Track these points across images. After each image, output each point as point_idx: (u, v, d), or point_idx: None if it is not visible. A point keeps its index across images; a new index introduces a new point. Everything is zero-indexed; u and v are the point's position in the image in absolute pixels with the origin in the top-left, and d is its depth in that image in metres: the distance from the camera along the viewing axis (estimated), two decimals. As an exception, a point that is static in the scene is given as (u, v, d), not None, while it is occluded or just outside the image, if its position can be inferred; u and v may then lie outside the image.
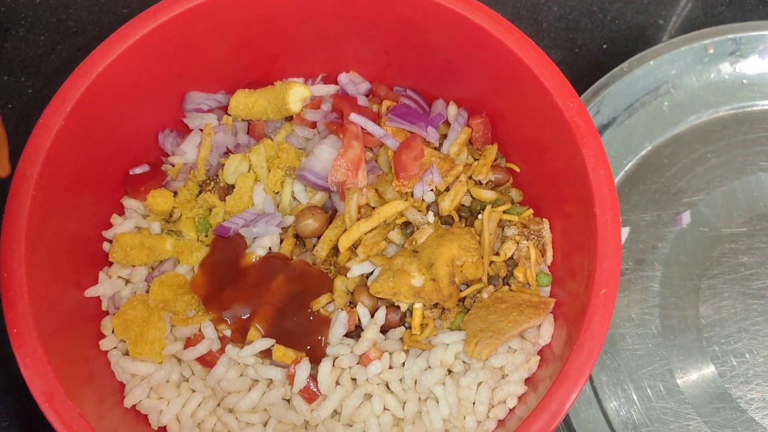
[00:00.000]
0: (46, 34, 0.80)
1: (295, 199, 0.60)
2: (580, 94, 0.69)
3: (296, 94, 0.60)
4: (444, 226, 0.57)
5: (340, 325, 0.54)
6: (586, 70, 0.77)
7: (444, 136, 0.62)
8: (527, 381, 0.54)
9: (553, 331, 0.54)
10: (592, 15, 0.81)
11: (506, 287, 0.56)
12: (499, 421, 0.52)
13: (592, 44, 0.80)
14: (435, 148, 0.61)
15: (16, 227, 0.49)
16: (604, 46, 0.80)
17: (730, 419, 0.63)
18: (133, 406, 0.54)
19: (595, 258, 0.48)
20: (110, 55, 0.54)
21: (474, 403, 0.52)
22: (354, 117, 0.59)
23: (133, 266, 0.58)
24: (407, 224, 0.57)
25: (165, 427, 0.54)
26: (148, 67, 0.57)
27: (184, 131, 0.63)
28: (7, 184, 0.50)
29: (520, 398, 0.53)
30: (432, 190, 0.58)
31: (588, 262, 0.50)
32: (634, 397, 0.63)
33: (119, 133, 0.58)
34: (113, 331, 0.56)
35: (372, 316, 0.54)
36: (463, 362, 0.53)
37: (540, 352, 0.54)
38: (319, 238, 0.57)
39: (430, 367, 0.53)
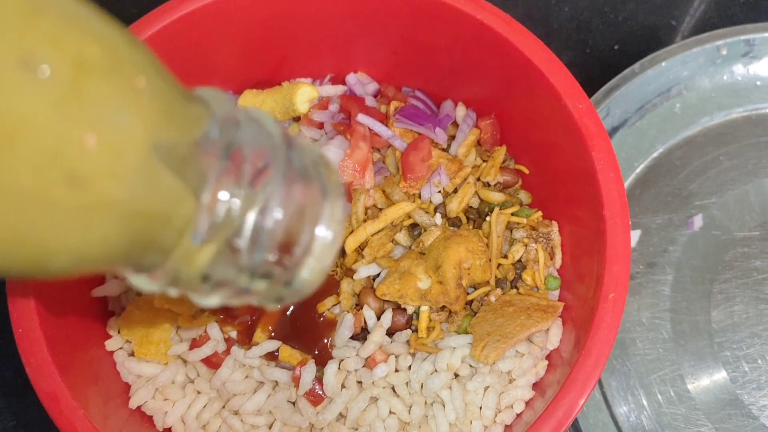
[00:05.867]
0: (56, 35, 0.80)
1: (301, 200, 0.59)
2: (591, 95, 0.69)
3: (304, 94, 0.59)
4: (452, 228, 0.57)
5: (346, 327, 0.53)
6: (598, 71, 0.77)
7: (452, 138, 0.61)
8: (535, 386, 0.53)
9: (561, 335, 0.53)
10: (603, 15, 0.80)
11: (514, 290, 0.56)
12: (506, 426, 0.52)
13: (604, 45, 0.79)
14: (443, 150, 0.60)
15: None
16: (616, 47, 0.79)
17: (742, 426, 0.62)
18: (139, 407, 0.54)
19: (603, 262, 0.47)
20: (117, 55, 0.54)
21: (481, 408, 0.51)
22: (361, 118, 0.58)
23: (140, 267, 0.57)
24: (414, 226, 0.57)
25: (170, 428, 0.54)
26: None
27: (192, 131, 0.63)
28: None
29: (527, 403, 0.52)
30: (440, 191, 0.58)
31: (597, 266, 0.49)
32: (645, 402, 0.63)
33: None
34: (119, 332, 0.56)
35: (378, 318, 0.54)
36: (470, 366, 0.52)
37: (548, 357, 0.54)
38: (325, 239, 0.57)
39: (436, 370, 0.52)
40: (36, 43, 0.22)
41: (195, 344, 0.54)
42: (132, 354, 0.55)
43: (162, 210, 0.26)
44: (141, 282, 0.30)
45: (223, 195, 0.27)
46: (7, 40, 0.21)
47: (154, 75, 0.26)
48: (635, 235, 0.68)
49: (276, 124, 0.31)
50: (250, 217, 0.28)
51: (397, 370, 0.53)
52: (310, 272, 0.31)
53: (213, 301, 0.32)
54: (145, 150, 0.24)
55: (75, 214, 0.23)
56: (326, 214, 0.31)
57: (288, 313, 0.54)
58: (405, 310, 0.54)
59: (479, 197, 0.58)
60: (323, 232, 0.31)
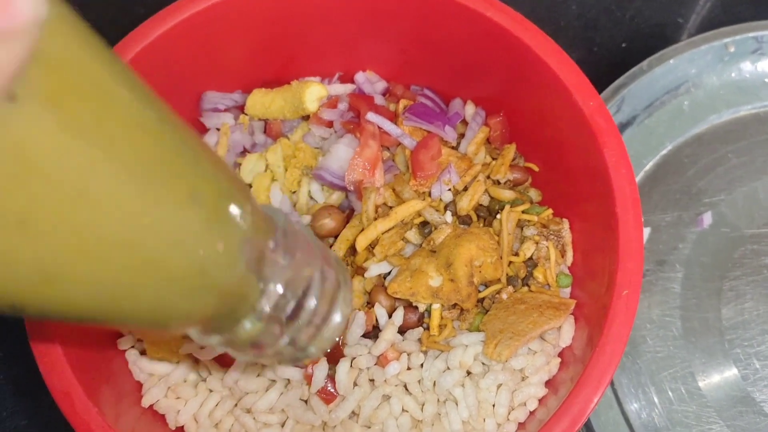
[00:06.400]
0: (64, 36, 0.80)
1: (311, 198, 0.59)
2: (599, 93, 0.68)
3: (313, 93, 0.59)
4: (462, 225, 0.57)
5: (357, 325, 0.53)
6: (605, 68, 0.77)
7: (462, 136, 0.61)
8: (548, 383, 0.53)
9: (573, 332, 0.53)
10: (610, 13, 0.80)
11: (526, 288, 0.56)
12: (520, 423, 0.52)
13: (611, 43, 0.79)
14: (452, 148, 0.60)
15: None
16: (623, 45, 0.79)
17: (753, 423, 0.62)
18: (151, 406, 0.54)
19: (616, 258, 0.47)
20: (127, 55, 0.54)
21: (494, 405, 0.51)
22: (371, 116, 0.58)
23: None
24: (425, 224, 0.57)
25: (182, 426, 0.54)
26: (165, 66, 0.57)
27: (201, 130, 0.63)
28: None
29: (540, 401, 0.52)
30: (450, 189, 0.58)
31: (609, 263, 0.49)
32: (656, 399, 0.62)
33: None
34: (131, 331, 0.56)
35: (390, 316, 0.54)
36: (483, 364, 0.52)
37: (560, 354, 0.54)
38: (336, 237, 0.57)
39: (448, 368, 0.52)
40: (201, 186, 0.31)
41: (207, 343, 0.54)
42: (144, 353, 0.55)
43: (244, 293, 0.36)
44: (197, 336, 0.39)
45: (279, 288, 0.37)
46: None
47: (252, 202, 0.36)
48: (645, 233, 0.68)
49: (312, 235, 0.45)
50: (292, 304, 0.39)
51: (409, 368, 0.53)
52: (322, 342, 0.42)
53: (247, 357, 0.43)
54: (242, 253, 0.34)
55: (197, 290, 0.33)
56: (340, 300, 0.42)
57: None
58: (416, 307, 0.54)
59: (489, 195, 0.58)
60: (337, 315, 0.42)
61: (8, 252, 0.23)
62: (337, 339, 0.44)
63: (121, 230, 0.26)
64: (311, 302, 0.39)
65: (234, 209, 0.33)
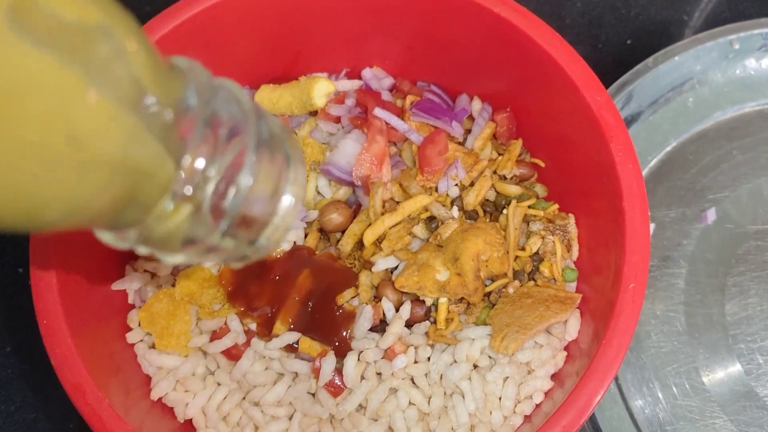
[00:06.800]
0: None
1: (319, 193, 0.60)
2: (604, 90, 0.69)
3: (321, 89, 0.60)
4: (468, 220, 0.57)
5: (365, 319, 0.54)
6: (610, 65, 0.77)
7: (468, 131, 0.61)
8: (554, 377, 0.53)
9: (579, 326, 0.54)
10: (615, 10, 0.81)
11: (532, 282, 0.56)
12: (526, 416, 0.52)
13: (616, 40, 0.79)
14: (459, 143, 0.61)
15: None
16: (628, 42, 0.79)
17: (756, 418, 0.62)
18: (159, 399, 0.55)
19: (623, 252, 0.48)
20: (137, 51, 0.54)
21: (500, 398, 0.52)
22: (378, 112, 0.59)
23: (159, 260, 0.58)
24: (432, 219, 0.57)
25: (191, 419, 0.54)
26: None
27: (209, 126, 0.63)
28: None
29: (546, 394, 0.52)
30: (456, 184, 0.58)
31: (615, 257, 0.50)
32: (660, 395, 0.63)
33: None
34: (139, 324, 0.56)
35: (397, 310, 0.54)
36: (489, 357, 0.53)
37: (566, 348, 0.54)
38: (343, 232, 0.57)
39: (455, 361, 0.52)
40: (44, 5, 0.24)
41: (215, 336, 0.55)
42: (152, 346, 0.56)
43: (146, 169, 0.28)
44: (111, 239, 0.32)
45: (200, 162, 0.30)
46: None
47: (141, 39, 0.28)
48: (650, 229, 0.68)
49: (245, 94, 0.34)
50: (223, 183, 0.31)
51: (416, 362, 0.53)
52: (274, 231, 0.35)
53: (179, 258, 0.34)
54: (135, 112, 0.26)
55: (72, 168, 0.25)
56: (290, 180, 0.34)
57: (308, 305, 0.55)
58: (423, 302, 0.54)
59: (496, 190, 0.59)
60: (287, 197, 0.34)
61: None
62: (291, 229, 0.36)
63: None
64: (245, 179, 0.32)
65: (107, 44, 0.26)
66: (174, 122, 0.29)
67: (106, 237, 0.32)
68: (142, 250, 0.33)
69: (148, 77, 0.27)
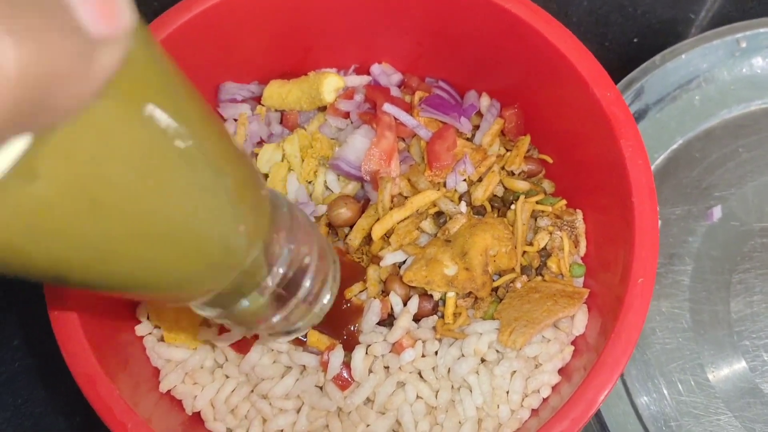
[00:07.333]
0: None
1: (327, 188, 0.60)
2: (612, 87, 0.69)
3: (330, 84, 0.60)
4: (476, 216, 0.58)
5: (373, 313, 0.54)
6: (617, 64, 0.77)
7: (476, 127, 0.62)
8: (561, 371, 0.54)
9: (587, 321, 0.54)
10: (622, 9, 0.81)
11: (539, 277, 0.56)
12: (533, 410, 0.52)
13: (623, 38, 0.79)
14: (467, 139, 0.61)
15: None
16: (635, 40, 0.80)
17: (761, 414, 0.62)
18: (168, 391, 0.55)
19: (632, 248, 0.48)
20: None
21: (508, 392, 0.52)
22: (387, 107, 0.59)
23: (168, 253, 0.58)
24: (440, 214, 0.57)
25: (199, 412, 0.55)
26: (183, 58, 0.56)
27: (218, 121, 0.64)
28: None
29: (553, 388, 0.53)
30: (465, 180, 0.58)
31: (624, 253, 0.50)
32: (665, 391, 0.63)
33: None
34: (148, 317, 0.56)
35: (405, 304, 0.55)
36: (497, 351, 0.53)
37: (574, 342, 0.54)
38: (352, 227, 0.57)
39: (463, 355, 0.53)
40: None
41: (223, 329, 0.55)
42: (161, 339, 0.56)
43: (253, 271, 0.39)
44: (201, 310, 0.41)
45: (282, 268, 0.41)
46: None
47: (264, 188, 0.38)
48: (656, 226, 0.68)
49: (309, 217, 0.47)
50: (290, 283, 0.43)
51: (423, 355, 0.53)
52: (312, 318, 0.46)
53: (242, 329, 0.48)
54: (259, 236, 0.37)
55: (220, 267, 0.36)
56: (330, 281, 0.46)
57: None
58: (431, 296, 0.55)
59: (504, 186, 0.59)
60: (327, 295, 0.46)
61: (73, 229, 0.25)
62: (321, 317, 0.48)
63: (174, 214, 0.29)
64: (307, 282, 0.43)
65: (253, 196, 0.36)
66: (272, 240, 0.40)
67: (196, 306, 0.41)
68: (219, 321, 0.44)
69: (269, 213, 0.39)
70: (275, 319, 0.44)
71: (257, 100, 0.64)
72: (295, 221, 0.42)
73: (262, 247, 0.38)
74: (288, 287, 0.42)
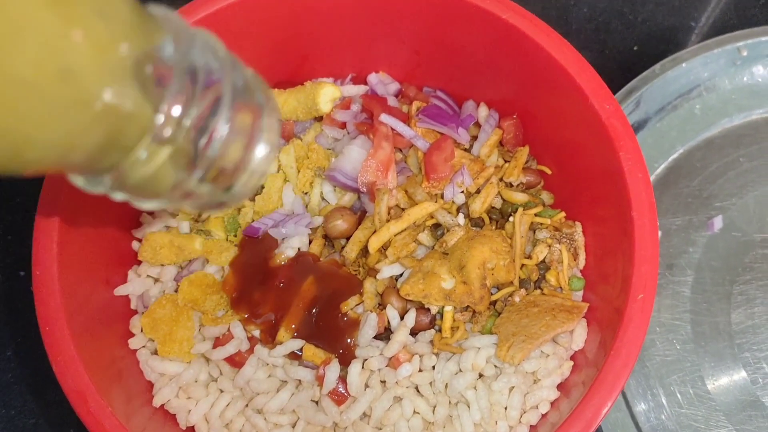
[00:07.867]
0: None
1: (324, 199, 0.59)
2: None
3: (326, 94, 0.59)
4: (474, 228, 0.57)
5: (369, 327, 0.53)
6: (617, 72, 0.77)
7: (474, 138, 0.61)
8: (560, 386, 0.53)
9: (586, 336, 0.53)
10: (622, 16, 0.80)
11: (538, 291, 0.56)
12: (532, 426, 0.52)
13: (623, 46, 0.79)
14: (465, 150, 0.60)
15: (48, 226, 0.49)
16: (635, 48, 0.79)
17: (762, 427, 0.62)
18: (162, 406, 0.54)
19: (632, 262, 0.47)
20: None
21: (506, 408, 0.51)
22: (384, 117, 0.58)
23: (162, 265, 0.57)
24: (437, 226, 0.57)
25: (193, 426, 0.54)
26: None
27: (214, 131, 0.63)
28: (40, 183, 0.50)
29: (552, 404, 0.52)
30: (462, 191, 0.58)
31: (623, 267, 0.49)
32: (664, 402, 0.63)
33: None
34: (142, 330, 0.56)
35: (402, 318, 0.54)
36: (495, 366, 0.52)
37: (573, 357, 0.54)
38: (348, 239, 0.57)
39: (461, 370, 0.52)
40: None
41: (218, 343, 0.54)
42: (155, 352, 0.55)
43: (127, 111, 0.29)
44: (84, 183, 0.33)
45: (176, 110, 0.30)
46: None
47: None
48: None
49: (222, 44, 0.35)
50: (199, 130, 0.32)
51: (421, 370, 0.53)
52: (249, 177, 0.36)
53: (154, 204, 0.35)
54: (119, 52, 0.28)
55: (59, 106, 0.27)
56: (264, 127, 0.35)
57: (312, 312, 0.54)
58: (428, 309, 0.54)
59: (502, 198, 0.58)
60: (261, 145, 0.35)
61: None
62: (266, 176, 0.38)
63: None
64: (222, 127, 0.33)
65: None
66: (152, 69, 0.30)
67: (80, 182, 0.32)
68: (117, 197, 0.34)
69: (130, 19, 0.29)
70: (192, 180, 0.33)
71: (253, 109, 0.63)
72: (188, 43, 0.32)
73: (133, 74, 0.28)
74: (197, 131, 0.32)
